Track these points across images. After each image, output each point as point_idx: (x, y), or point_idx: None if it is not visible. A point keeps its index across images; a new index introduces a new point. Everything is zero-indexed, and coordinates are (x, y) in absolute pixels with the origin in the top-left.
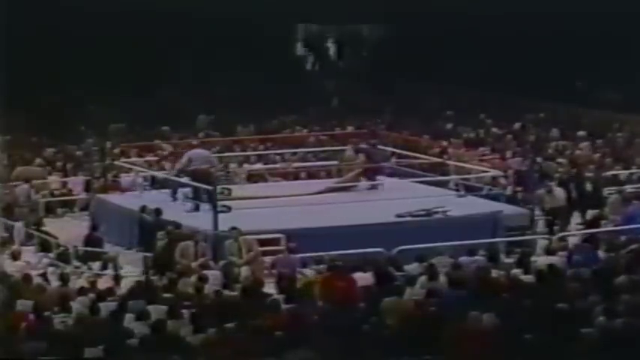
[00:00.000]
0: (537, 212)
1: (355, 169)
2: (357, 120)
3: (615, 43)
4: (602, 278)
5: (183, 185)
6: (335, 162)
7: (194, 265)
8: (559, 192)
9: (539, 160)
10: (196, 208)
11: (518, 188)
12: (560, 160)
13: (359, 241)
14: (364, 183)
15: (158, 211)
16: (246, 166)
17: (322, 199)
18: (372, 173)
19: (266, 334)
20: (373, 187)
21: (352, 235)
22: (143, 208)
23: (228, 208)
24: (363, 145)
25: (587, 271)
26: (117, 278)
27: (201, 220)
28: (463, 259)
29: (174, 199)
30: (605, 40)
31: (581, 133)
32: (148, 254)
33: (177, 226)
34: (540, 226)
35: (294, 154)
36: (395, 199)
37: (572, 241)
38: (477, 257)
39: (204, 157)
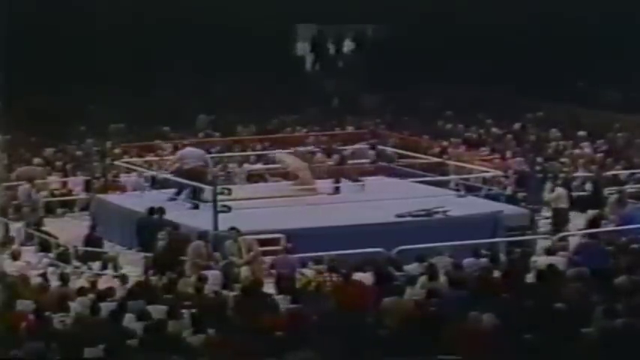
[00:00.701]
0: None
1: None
2: (357, 120)
3: (615, 43)
4: (602, 278)
5: (182, 185)
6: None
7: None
8: (561, 192)
9: (539, 160)
10: (195, 208)
11: (519, 188)
12: (562, 160)
13: (359, 241)
14: (347, 184)
15: (162, 211)
16: (246, 166)
17: (322, 200)
18: (355, 174)
19: (266, 334)
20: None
21: (352, 235)
22: (152, 210)
23: (228, 208)
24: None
25: (587, 271)
26: (123, 278)
27: (201, 220)
28: (467, 260)
29: (175, 199)
30: (605, 40)
31: (581, 133)
32: (149, 254)
33: (176, 227)
34: (542, 225)
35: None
36: (394, 199)
37: (573, 241)
38: (481, 260)
39: (198, 155)
